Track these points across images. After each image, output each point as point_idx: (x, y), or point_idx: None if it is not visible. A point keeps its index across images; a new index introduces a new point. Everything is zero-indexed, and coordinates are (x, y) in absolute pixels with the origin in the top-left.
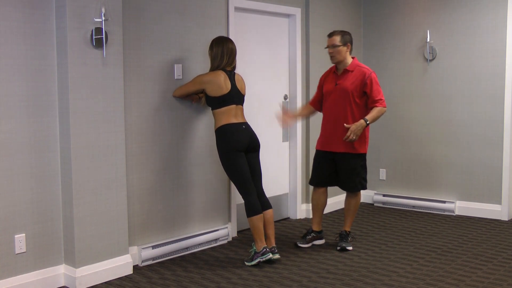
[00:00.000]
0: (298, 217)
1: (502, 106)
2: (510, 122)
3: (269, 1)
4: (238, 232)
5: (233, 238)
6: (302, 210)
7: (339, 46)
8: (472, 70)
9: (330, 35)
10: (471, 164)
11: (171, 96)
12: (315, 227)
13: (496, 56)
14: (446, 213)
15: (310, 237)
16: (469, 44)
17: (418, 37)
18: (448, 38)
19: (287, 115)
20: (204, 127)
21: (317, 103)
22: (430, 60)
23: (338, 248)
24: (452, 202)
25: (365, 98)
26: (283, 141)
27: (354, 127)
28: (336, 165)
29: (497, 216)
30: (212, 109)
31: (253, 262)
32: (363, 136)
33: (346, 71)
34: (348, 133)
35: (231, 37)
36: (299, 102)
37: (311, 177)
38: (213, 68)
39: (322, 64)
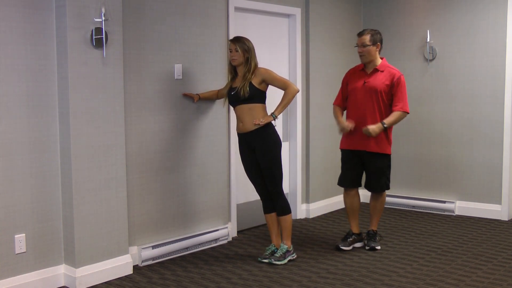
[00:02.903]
0: (298, 217)
1: (502, 106)
2: (510, 122)
3: (269, 1)
4: (238, 232)
5: (233, 238)
6: (302, 210)
7: (369, 45)
8: (472, 70)
9: (360, 34)
10: (471, 164)
11: (171, 96)
12: (355, 230)
13: (496, 56)
14: (446, 213)
15: (352, 239)
16: (469, 44)
17: (418, 37)
18: (448, 38)
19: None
20: (204, 127)
21: (344, 101)
22: (430, 60)
23: (367, 248)
24: (452, 202)
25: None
26: (283, 141)
27: (372, 128)
28: (363, 164)
29: (497, 216)
30: (260, 103)
31: (285, 261)
32: (387, 137)
33: (375, 70)
34: (366, 131)
35: (231, 37)
36: (299, 102)
37: (341, 178)
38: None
39: (322, 64)
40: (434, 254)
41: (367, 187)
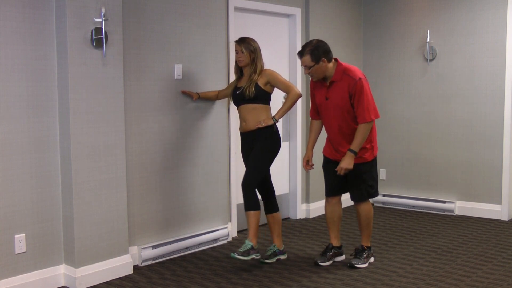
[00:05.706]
0: (298, 217)
1: (502, 106)
2: (510, 122)
3: (269, 1)
4: (238, 232)
5: (233, 238)
6: (302, 210)
7: (312, 66)
8: (472, 70)
9: (300, 55)
10: (471, 164)
11: (171, 96)
12: (335, 243)
13: (496, 56)
14: (446, 213)
15: (331, 253)
16: (469, 44)
17: (418, 37)
18: (448, 38)
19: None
20: (204, 127)
21: (318, 114)
22: (430, 60)
23: (348, 264)
24: (452, 202)
25: None
26: (283, 141)
27: (344, 164)
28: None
29: (497, 216)
30: (264, 104)
31: (274, 259)
32: (367, 143)
33: (332, 82)
34: (340, 171)
35: (231, 37)
36: (299, 102)
37: (325, 188)
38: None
39: None
40: (434, 254)
41: (350, 196)
